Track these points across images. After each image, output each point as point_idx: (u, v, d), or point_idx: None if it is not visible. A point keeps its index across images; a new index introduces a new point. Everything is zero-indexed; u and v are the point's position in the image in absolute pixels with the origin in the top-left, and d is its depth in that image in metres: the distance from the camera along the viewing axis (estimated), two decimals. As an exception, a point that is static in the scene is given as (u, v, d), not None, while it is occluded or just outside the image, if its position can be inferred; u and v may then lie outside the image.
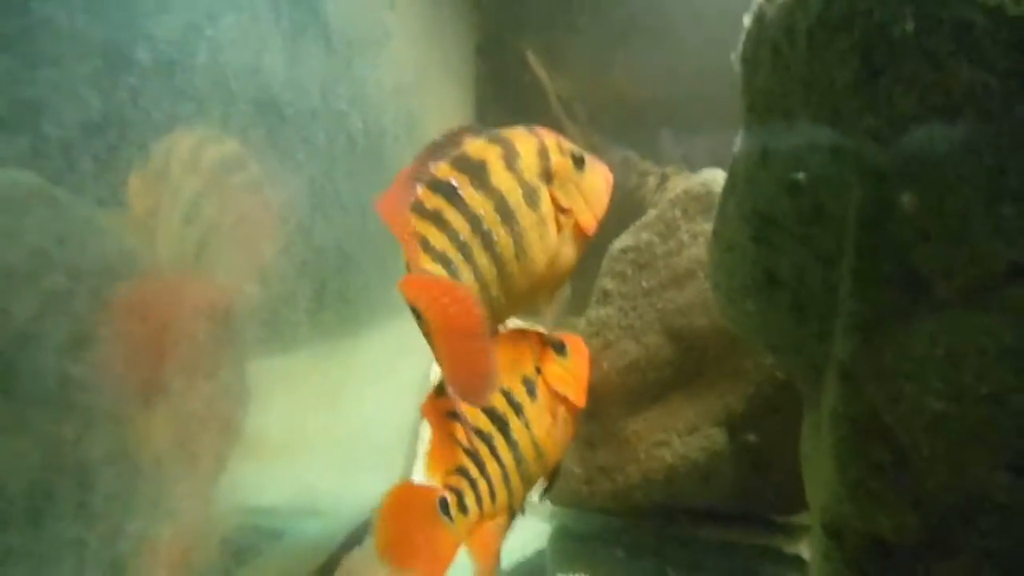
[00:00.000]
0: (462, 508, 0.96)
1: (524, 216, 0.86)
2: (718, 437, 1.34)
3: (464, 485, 0.98)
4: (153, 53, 0.65)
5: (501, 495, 1.01)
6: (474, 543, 0.98)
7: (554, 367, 1.11)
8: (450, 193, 0.84)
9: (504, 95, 2.80)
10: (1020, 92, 0.56)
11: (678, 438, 1.37)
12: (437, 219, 0.84)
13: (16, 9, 0.51)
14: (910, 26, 0.60)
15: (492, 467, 1.02)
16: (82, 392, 0.58)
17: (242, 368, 0.96)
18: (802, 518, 1.34)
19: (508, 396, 1.06)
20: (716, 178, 1.46)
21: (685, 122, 2.56)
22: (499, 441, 1.04)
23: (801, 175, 0.75)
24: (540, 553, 1.39)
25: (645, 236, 1.53)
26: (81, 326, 0.58)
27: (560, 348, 1.09)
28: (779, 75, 0.74)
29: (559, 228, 0.91)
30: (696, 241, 1.44)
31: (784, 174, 0.78)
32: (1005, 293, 0.59)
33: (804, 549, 1.23)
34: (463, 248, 0.83)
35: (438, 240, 0.83)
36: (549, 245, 0.90)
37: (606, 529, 1.42)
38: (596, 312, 1.55)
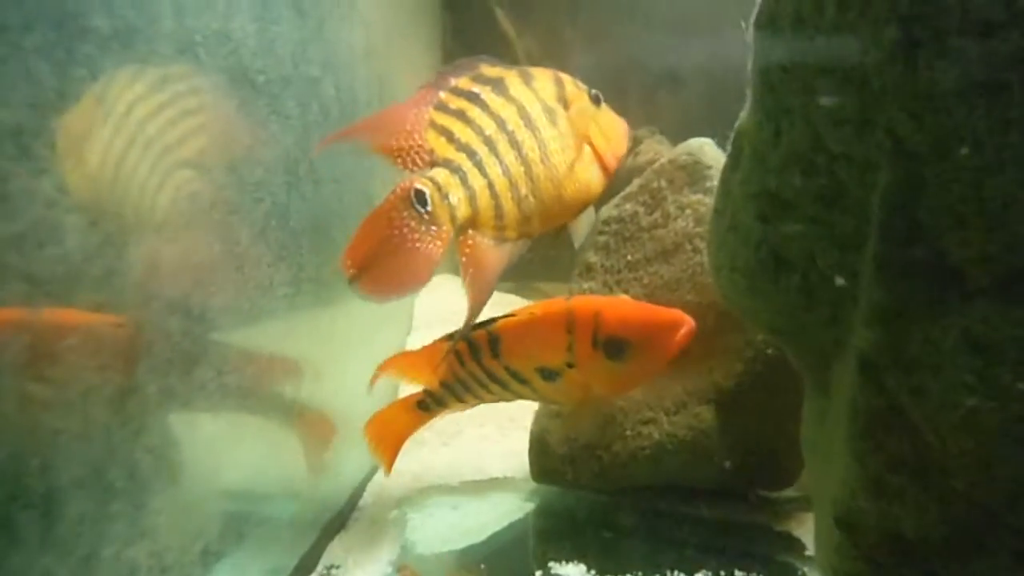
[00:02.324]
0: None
1: (545, 127, 0.88)
2: (706, 415, 1.31)
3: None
4: (111, 20, 0.57)
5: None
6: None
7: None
8: (472, 97, 0.86)
9: (472, 53, 2.70)
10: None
11: (665, 416, 1.35)
12: (461, 116, 0.84)
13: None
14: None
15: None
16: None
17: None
18: (786, 493, 1.34)
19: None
20: (703, 147, 1.41)
21: (652, 85, 2.51)
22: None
23: (819, 154, 0.71)
24: (524, 533, 1.36)
25: (629, 207, 1.47)
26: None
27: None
28: (801, 43, 0.69)
29: (580, 151, 0.93)
30: (683, 213, 1.40)
31: (799, 151, 0.74)
32: (1045, 284, 0.56)
33: (795, 527, 1.22)
34: (489, 142, 0.84)
35: (464, 133, 0.84)
36: (571, 160, 0.92)
37: (591, 508, 1.39)
38: (579, 286, 1.50)
